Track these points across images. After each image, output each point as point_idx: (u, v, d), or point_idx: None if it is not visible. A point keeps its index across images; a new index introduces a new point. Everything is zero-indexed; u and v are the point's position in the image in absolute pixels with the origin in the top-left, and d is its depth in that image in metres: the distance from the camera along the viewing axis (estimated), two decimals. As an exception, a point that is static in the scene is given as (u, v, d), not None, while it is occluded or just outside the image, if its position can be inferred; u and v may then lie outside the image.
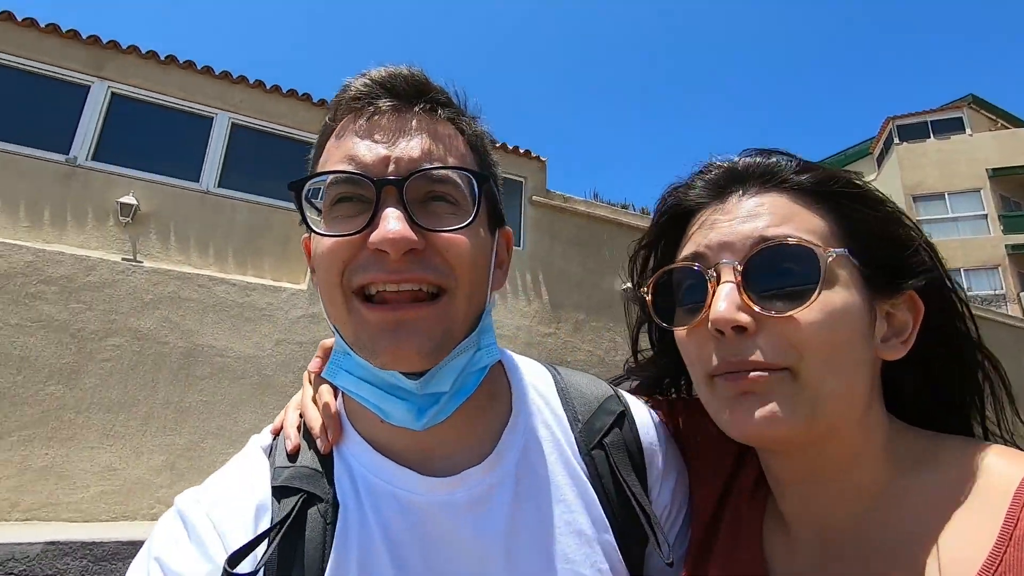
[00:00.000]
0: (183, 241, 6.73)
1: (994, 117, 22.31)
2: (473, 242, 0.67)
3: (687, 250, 0.72)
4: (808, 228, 0.66)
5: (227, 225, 6.97)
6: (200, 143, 7.13)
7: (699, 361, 0.69)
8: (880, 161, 23.07)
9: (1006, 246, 19.35)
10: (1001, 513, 0.55)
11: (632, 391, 0.93)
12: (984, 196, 20.28)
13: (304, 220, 0.67)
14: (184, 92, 7.13)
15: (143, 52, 6.95)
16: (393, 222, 0.61)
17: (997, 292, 18.55)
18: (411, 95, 0.69)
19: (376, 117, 0.67)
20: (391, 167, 0.64)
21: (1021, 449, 0.63)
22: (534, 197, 8.74)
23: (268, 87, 7.53)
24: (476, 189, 0.68)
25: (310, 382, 0.81)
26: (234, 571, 0.58)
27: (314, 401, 0.78)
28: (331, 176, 0.65)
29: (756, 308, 0.63)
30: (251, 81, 7.45)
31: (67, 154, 6.45)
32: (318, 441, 0.72)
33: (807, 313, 0.61)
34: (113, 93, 6.83)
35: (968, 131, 21.37)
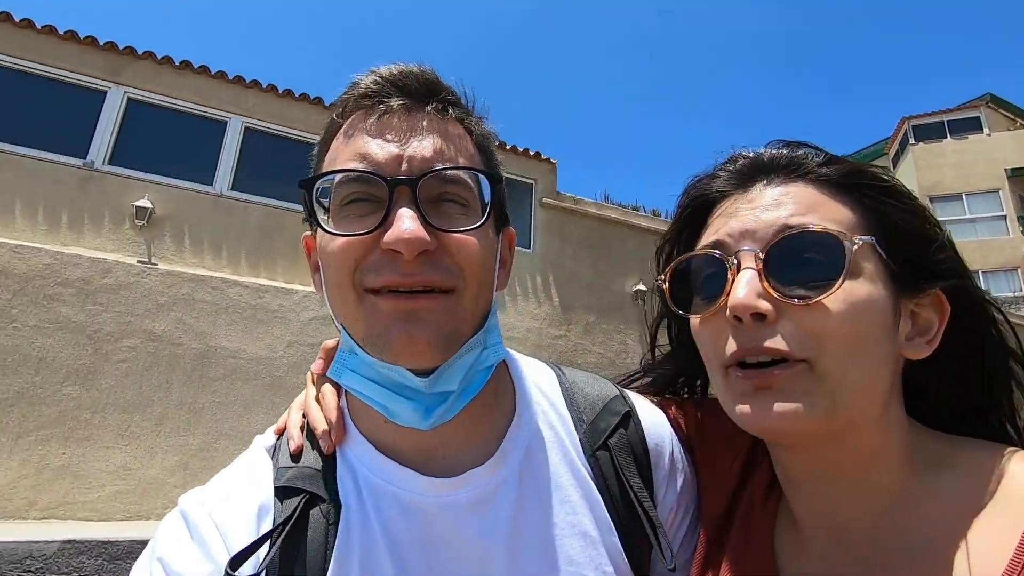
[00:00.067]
0: (197, 244, 6.80)
1: (1013, 116, 21.80)
2: (482, 243, 0.67)
3: (708, 238, 0.71)
4: (833, 218, 0.64)
5: (240, 228, 7.04)
6: (214, 147, 7.21)
7: (715, 351, 0.67)
8: (895, 162, 22.71)
9: (1026, 248, 18.95)
10: (1023, 520, 0.53)
11: (645, 388, 0.92)
12: (1003, 197, 19.82)
13: (313, 218, 0.67)
14: (198, 97, 7.22)
15: (158, 58, 7.05)
16: (407, 222, 0.60)
17: (1016, 294, 18.12)
18: (422, 94, 0.69)
19: (387, 115, 0.66)
20: (403, 167, 0.63)
21: None
22: (544, 199, 8.72)
23: (280, 91, 7.60)
24: (488, 190, 0.68)
25: (313, 383, 0.82)
26: (235, 574, 0.58)
27: (317, 401, 0.78)
28: (342, 174, 0.65)
29: (776, 295, 0.61)
30: (264, 85, 7.53)
31: (84, 158, 6.55)
32: (321, 441, 0.72)
33: (829, 302, 0.59)
34: (129, 98, 6.93)
35: (986, 131, 20.92)
